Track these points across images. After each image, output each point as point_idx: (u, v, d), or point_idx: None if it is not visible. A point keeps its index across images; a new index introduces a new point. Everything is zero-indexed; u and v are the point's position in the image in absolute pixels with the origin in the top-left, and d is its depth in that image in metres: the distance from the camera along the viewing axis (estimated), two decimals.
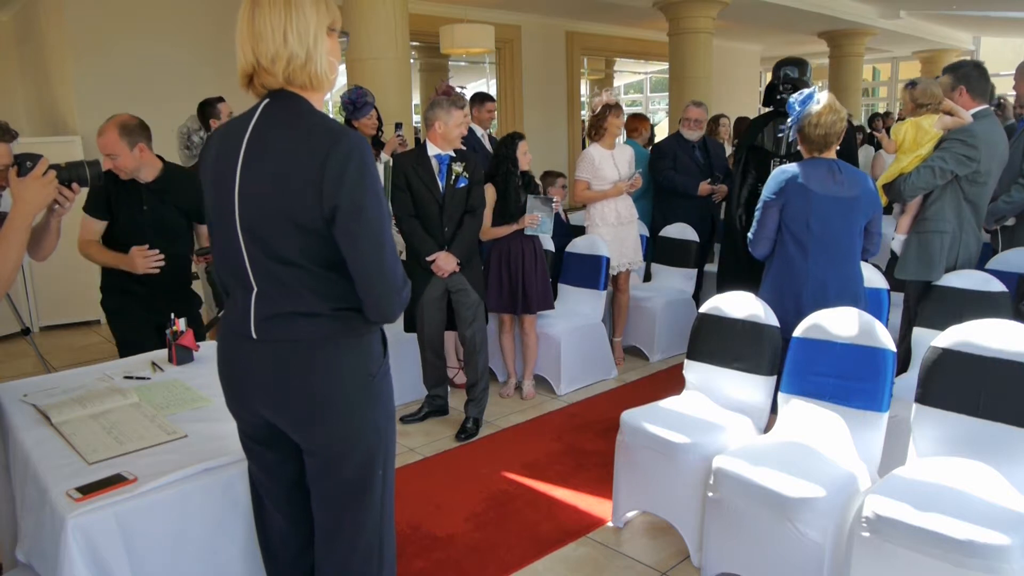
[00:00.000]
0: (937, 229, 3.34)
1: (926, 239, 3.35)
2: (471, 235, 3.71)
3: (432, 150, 3.64)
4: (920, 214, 3.41)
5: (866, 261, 3.13)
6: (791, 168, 2.93)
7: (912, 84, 3.41)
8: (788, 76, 4.26)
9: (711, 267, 5.48)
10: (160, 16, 6.49)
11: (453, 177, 3.62)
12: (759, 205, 2.98)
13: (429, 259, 3.60)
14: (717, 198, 5.28)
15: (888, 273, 3.52)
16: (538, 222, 4.00)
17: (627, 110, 5.55)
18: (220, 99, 4.42)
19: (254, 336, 1.58)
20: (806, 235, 2.88)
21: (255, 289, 1.58)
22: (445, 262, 3.61)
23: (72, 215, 2.39)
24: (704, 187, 5.17)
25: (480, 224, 3.75)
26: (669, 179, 5.22)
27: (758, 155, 4.40)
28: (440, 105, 3.58)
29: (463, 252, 3.66)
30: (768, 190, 2.95)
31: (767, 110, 4.54)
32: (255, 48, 1.50)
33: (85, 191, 2.35)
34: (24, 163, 1.96)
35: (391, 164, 4.07)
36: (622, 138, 5.12)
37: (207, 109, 4.42)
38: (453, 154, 3.65)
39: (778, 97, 4.30)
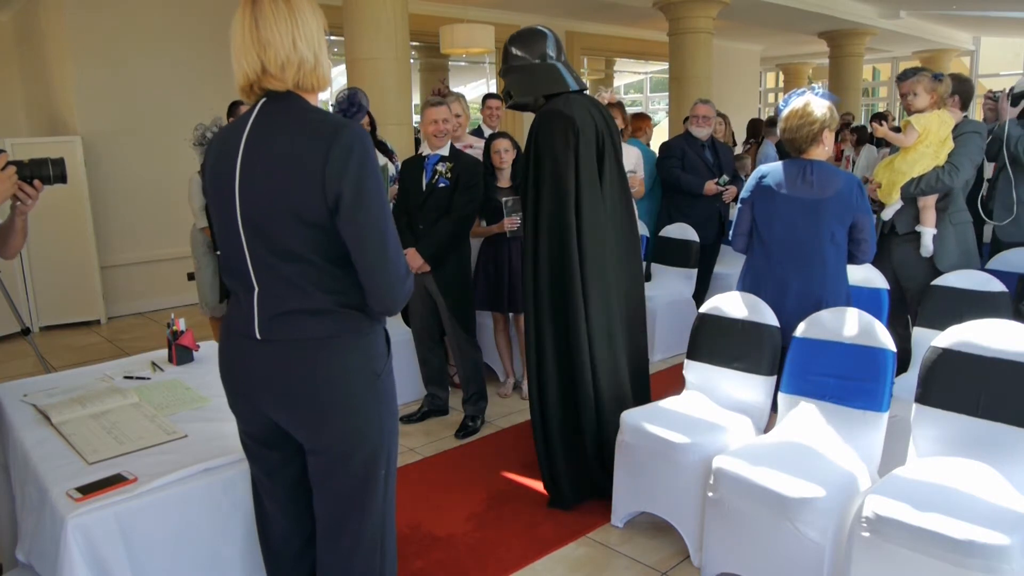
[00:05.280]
0: (968, 220, 3.52)
1: (963, 230, 3.49)
2: (441, 237, 3.63)
3: (425, 150, 3.68)
4: (948, 207, 3.46)
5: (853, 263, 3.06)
6: (764, 168, 2.95)
7: (939, 77, 3.42)
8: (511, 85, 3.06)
9: (720, 268, 5.47)
10: (160, 16, 6.50)
11: (435, 177, 3.63)
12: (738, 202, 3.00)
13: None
14: (727, 198, 5.28)
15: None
16: (516, 225, 3.96)
17: (628, 110, 5.55)
18: None
19: (258, 337, 1.59)
20: (769, 235, 2.88)
21: (256, 289, 1.58)
22: (411, 259, 3.61)
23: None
24: (710, 186, 5.16)
25: (458, 228, 3.67)
26: (674, 177, 5.21)
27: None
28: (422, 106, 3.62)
29: (429, 252, 3.62)
30: (744, 189, 2.99)
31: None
32: (261, 55, 1.52)
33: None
34: None
35: (387, 166, 4.08)
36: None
37: (231, 108, 4.42)
38: (444, 154, 3.65)
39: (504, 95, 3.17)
